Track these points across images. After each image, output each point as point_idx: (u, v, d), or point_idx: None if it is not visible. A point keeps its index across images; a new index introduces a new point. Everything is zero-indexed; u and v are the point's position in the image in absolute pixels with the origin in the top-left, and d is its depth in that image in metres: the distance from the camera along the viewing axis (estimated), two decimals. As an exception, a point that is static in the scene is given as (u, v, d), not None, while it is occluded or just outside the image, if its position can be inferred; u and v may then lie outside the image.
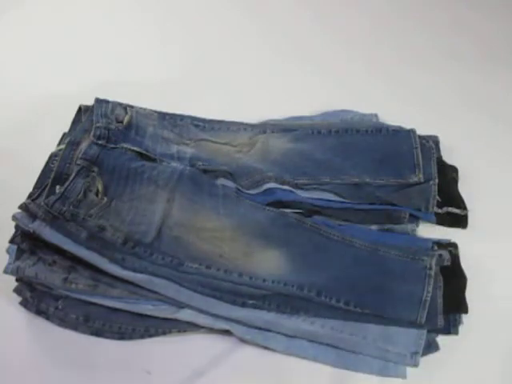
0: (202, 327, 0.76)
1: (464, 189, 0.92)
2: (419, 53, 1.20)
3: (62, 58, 1.17)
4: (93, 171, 0.82)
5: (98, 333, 0.77)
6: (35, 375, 0.74)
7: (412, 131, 0.94)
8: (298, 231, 0.82)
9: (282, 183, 0.88)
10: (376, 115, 1.03)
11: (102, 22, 1.26)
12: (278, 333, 0.75)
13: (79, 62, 1.16)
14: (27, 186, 0.84)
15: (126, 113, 0.92)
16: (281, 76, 1.14)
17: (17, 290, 0.79)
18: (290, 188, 0.88)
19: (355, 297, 0.76)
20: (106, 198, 0.80)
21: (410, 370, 0.73)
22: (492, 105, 1.09)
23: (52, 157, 0.87)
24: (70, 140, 0.86)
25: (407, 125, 0.96)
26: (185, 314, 0.76)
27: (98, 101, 0.92)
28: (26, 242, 0.78)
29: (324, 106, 1.05)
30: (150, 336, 0.76)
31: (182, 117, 0.98)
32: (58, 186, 0.79)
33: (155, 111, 0.97)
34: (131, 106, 0.94)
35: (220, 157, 0.92)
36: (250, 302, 0.76)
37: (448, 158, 0.96)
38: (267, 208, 0.85)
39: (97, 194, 0.80)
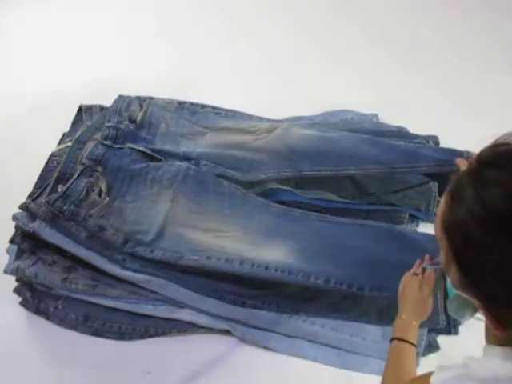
0: (202, 327, 0.76)
1: (464, 189, 0.92)
2: (419, 54, 1.20)
3: (62, 57, 1.17)
4: (97, 171, 0.82)
5: (97, 333, 0.77)
6: (35, 375, 0.74)
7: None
8: (304, 223, 0.81)
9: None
10: (376, 115, 1.03)
11: (103, 23, 1.26)
12: (278, 333, 0.75)
13: (79, 62, 1.16)
14: (27, 186, 0.84)
15: (141, 108, 0.92)
16: (281, 76, 1.14)
17: (17, 290, 0.79)
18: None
19: (371, 279, 0.72)
20: (108, 198, 0.80)
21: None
22: (492, 105, 1.09)
23: (52, 157, 0.87)
24: (77, 138, 0.86)
25: (407, 125, 0.96)
26: (185, 314, 0.76)
27: (120, 97, 0.92)
28: (26, 242, 0.78)
29: (324, 106, 1.05)
30: (150, 336, 0.76)
31: (203, 105, 0.96)
32: (60, 185, 0.79)
33: (176, 100, 0.96)
34: (151, 98, 0.93)
35: (231, 149, 0.90)
36: (250, 301, 0.76)
37: (448, 158, 0.96)
38: (273, 205, 0.83)
39: (100, 194, 0.80)
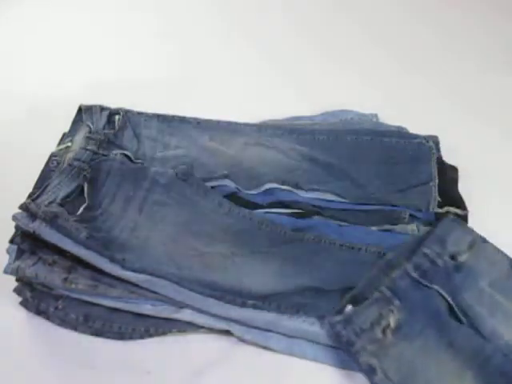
0: (202, 327, 0.76)
1: (464, 189, 0.92)
2: (419, 54, 1.20)
3: (62, 57, 1.17)
4: (392, 304, 0.72)
5: (97, 333, 0.77)
6: (35, 375, 0.74)
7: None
8: None
9: (282, 183, 0.88)
10: (376, 115, 1.03)
11: (103, 22, 1.27)
12: (278, 333, 0.75)
13: (79, 62, 1.16)
14: (27, 185, 0.84)
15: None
16: (281, 76, 1.14)
17: (17, 290, 0.79)
18: (290, 188, 0.88)
19: None
20: (391, 337, 0.69)
21: (410, 370, 0.73)
22: (492, 105, 1.09)
23: (52, 157, 0.87)
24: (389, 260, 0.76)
25: (407, 125, 0.96)
26: (185, 314, 0.76)
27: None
28: (26, 242, 0.78)
29: (324, 106, 1.05)
30: (150, 336, 0.76)
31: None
32: (349, 306, 0.71)
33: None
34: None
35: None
36: (250, 301, 0.76)
37: (448, 158, 0.96)
38: None
39: (384, 330, 0.70)
